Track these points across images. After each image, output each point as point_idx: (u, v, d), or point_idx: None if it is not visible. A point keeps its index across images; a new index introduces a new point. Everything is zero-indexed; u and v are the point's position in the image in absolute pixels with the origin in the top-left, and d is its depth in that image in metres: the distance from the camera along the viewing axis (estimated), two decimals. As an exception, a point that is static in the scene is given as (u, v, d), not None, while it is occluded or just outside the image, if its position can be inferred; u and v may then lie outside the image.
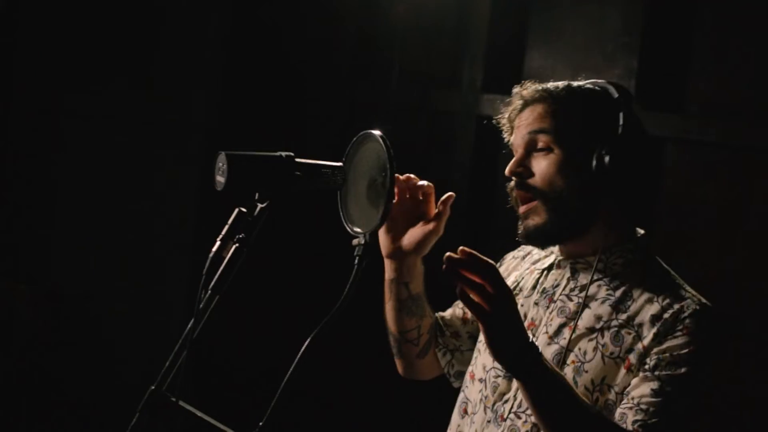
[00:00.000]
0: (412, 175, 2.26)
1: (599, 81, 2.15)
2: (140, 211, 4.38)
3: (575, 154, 2.07)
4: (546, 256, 2.29)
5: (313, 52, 4.57)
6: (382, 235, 2.29)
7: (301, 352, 1.85)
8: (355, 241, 1.96)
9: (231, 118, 4.47)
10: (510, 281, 2.31)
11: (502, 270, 2.38)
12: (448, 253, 1.83)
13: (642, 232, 2.19)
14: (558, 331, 2.11)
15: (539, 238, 2.13)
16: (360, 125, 3.79)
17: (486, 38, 4.27)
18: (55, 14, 4.61)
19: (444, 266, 1.83)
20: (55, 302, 4.47)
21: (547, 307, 2.17)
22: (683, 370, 1.96)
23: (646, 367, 1.98)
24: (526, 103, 2.14)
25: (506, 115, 2.19)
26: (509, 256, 2.44)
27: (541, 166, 2.09)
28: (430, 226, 2.24)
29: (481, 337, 2.20)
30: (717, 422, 3.70)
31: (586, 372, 2.03)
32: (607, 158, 2.03)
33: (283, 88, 4.54)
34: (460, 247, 1.84)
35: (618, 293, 2.09)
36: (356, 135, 2.03)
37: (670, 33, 3.89)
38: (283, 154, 1.92)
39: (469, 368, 2.29)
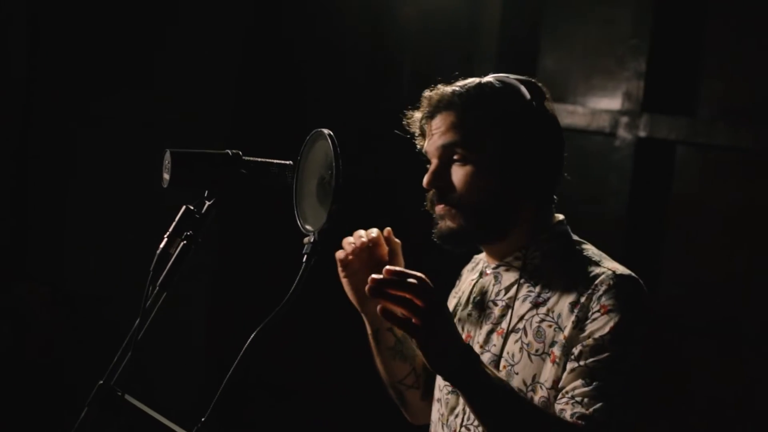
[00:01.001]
0: (358, 233, 2.25)
1: (510, 78, 2.10)
2: (156, 213, 4.40)
3: (490, 163, 2.03)
4: (476, 268, 2.27)
5: (324, 57, 4.58)
6: (350, 293, 2.28)
7: (244, 349, 1.85)
8: (305, 239, 1.96)
9: (244, 122, 4.49)
10: (458, 293, 2.30)
11: (453, 292, 2.36)
12: (372, 275, 1.79)
13: (561, 217, 2.14)
14: (487, 339, 2.09)
15: (453, 241, 2.09)
16: (374, 129, 3.84)
17: (497, 41, 4.26)
18: (72, 18, 4.65)
19: (368, 288, 1.78)
20: (71, 305, 4.50)
21: (478, 317, 2.14)
22: (609, 351, 1.91)
23: (573, 357, 1.94)
24: (436, 110, 2.08)
25: (417, 122, 2.14)
26: (466, 269, 2.40)
27: (458, 177, 2.05)
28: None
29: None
30: (721, 424, 3.66)
31: (517, 374, 2.01)
32: (519, 165, 2.02)
33: (295, 93, 4.55)
34: (386, 267, 1.80)
35: (537, 288, 2.05)
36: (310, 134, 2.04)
37: (679, 35, 3.86)
38: (230, 151, 1.94)
39: (436, 392, 2.25)
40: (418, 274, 1.80)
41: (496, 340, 2.07)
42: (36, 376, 4.34)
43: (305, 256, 1.89)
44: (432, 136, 2.09)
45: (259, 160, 1.96)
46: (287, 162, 1.99)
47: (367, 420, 4.38)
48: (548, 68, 4.23)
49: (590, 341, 1.92)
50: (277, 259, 4.37)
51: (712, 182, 3.77)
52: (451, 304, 2.31)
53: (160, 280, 1.89)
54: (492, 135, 2.03)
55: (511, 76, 2.11)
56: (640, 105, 3.90)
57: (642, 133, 3.89)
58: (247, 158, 1.94)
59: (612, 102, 4.05)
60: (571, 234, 2.13)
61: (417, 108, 2.15)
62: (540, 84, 2.10)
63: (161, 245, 1.92)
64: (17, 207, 4.70)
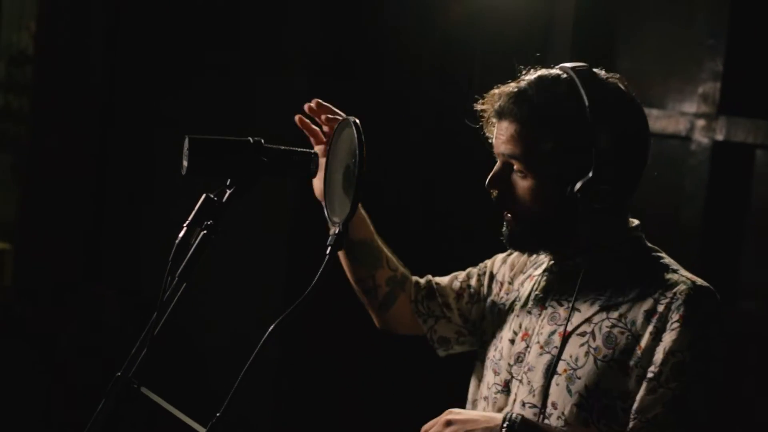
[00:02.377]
0: (318, 100, 2.25)
1: (587, 71, 2.01)
2: (230, 217, 4.40)
3: (551, 178, 1.97)
4: (541, 262, 2.19)
5: (396, 61, 4.53)
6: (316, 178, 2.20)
7: (262, 342, 1.81)
8: (331, 231, 1.90)
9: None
10: (514, 284, 2.23)
11: (509, 260, 2.28)
12: None
13: (636, 222, 2.07)
14: (549, 340, 2.02)
15: (520, 247, 2.09)
16: (444, 133, 3.77)
17: (570, 42, 4.17)
18: (149, 21, 4.69)
19: None
20: (142, 309, 4.45)
21: (539, 315, 2.08)
22: (690, 371, 1.86)
23: (651, 375, 1.88)
24: (501, 115, 2.02)
25: (486, 114, 2.08)
26: (497, 259, 2.33)
27: (518, 188, 2.01)
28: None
29: (490, 354, 2.16)
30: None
31: (579, 378, 1.94)
32: (585, 178, 1.94)
33: (365, 96, 4.51)
34: None
35: (607, 292, 1.99)
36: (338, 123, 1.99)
37: (757, 35, 3.74)
38: (252, 138, 1.90)
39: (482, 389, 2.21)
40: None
41: (557, 341, 2.00)
42: (103, 378, 4.35)
43: (329, 248, 1.84)
44: (496, 138, 2.04)
45: (282, 147, 1.92)
46: (311, 151, 1.96)
47: (382, 418, 4.29)
48: (623, 70, 4.11)
49: (671, 360, 1.87)
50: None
51: (794, 188, 3.65)
52: (500, 270, 2.27)
53: (179, 271, 1.87)
54: (555, 149, 1.96)
55: (595, 69, 2.03)
56: (716, 107, 3.80)
57: (719, 137, 3.79)
58: (268, 146, 1.90)
59: (687, 104, 3.94)
60: (645, 241, 2.07)
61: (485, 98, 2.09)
62: (625, 82, 2.03)
63: (180, 235, 1.89)
64: (95, 210, 4.75)
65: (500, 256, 2.32)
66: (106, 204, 4.75)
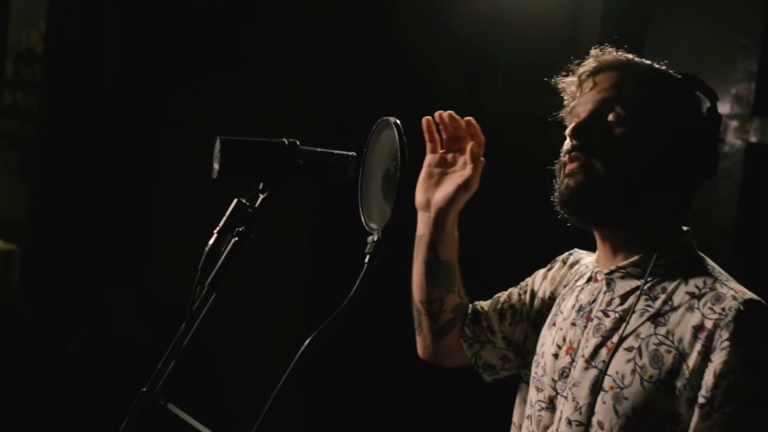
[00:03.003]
0: (452, 113, 2.11)
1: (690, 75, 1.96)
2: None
3: (645, 133, 1.88)
4: (590, 271, 2.07)
5: (420, 58, 4.45)
6: (418, 184, 2.13)
7: (298, 355, 1.70)
8: (369, 238, 1.79)
9: (337, 124, 4.40)
10: (556, 298, 2.13)
11: (550, 274, 2.19)
12: None
13: (686, 228, 1.97)
14: (595, 353, 1.90)
15: (579, 202, 1.90)
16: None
17: (598, 40, 4.02)
18: (162, 23, 4.64)
19: None
20: (154, 312, 4.46)
21: (584, 327, 1.95)
22: (746, 392, 1.74)
23: (703, 401, 1.76)
24: (605, 67, 1.95)
25: (573, 77, 2.00)
26: (559, 259, 2.22)
27: (609, 135, 1.89)
28: (460, 178, 2.07)
29: (533, 371, 2.05)
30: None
31: (626, 399, 1.82)
32: (674, 150, 1.87)
33: (388, 97, 4.42)
34: None
35: (657, 303, 1.86)
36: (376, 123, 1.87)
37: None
38: (287, 140, 1.80)
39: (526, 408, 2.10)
40: None
41: (604, 355, 1.88)
42: (114, 381, 4.28)
43: (367, 257, 1.74)
44: (590, 91, 1.95)
45: (318, 150, 1.82)
46: (349, 153, 1.85)
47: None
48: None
49: (723, 382, 1.74)
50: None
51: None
52: (541, 286, 2.17)
53: (209, 281, 1.76)
54: (656, 108, 1.89)
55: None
56: (750, 108, 3.70)
57: (753, 139, 3.70)
58: (304, 147, 1.80)
59: (721, 105, 3.80)
60: (697, 249, 1.96)
61: (577, 65, 2.02)
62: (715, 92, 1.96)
63: (210, 242, 1.78)
64: (104, 211, 4.70)
65: (541, 272, 2.22)
66: (116, 205, 4.71)
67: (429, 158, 2.13)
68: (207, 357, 4.17)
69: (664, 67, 1.96)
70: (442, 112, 2.12)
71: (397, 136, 1.74)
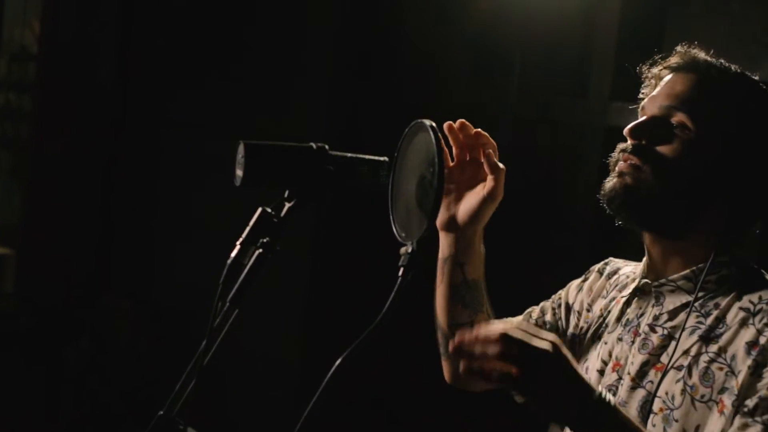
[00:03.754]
0: (464, 121, 1.98)
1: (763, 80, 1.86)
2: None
3: (708, 143, 1.77)
4: (631, 281, 1.95)
5: (428, 59, 4.34)
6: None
7: (330, 373, 1.56)
8: (402, 250, 1.66)
9: (338, 126, 4.31)
10: (595, 310, 2.00)
11: (585, 285, 2.06)
12: (450, 347, 1.57)
13: (741, 240, 1.85)
14: (642, 372, 1.79)
15: (624, 203, 1.80)
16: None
17: (615, 40, 3.98)
18: (161, 24, 4.57)
19: (452, 348, 1.56)
20: (157, 321, 4.37)
21: (632, 342, 1.84)
22: None
23: (746, 410, 1.64)
24: (684, 67, 1.84)
25: (656, 70, 1.89)
26: (594, 269, 2.10)
27: (670, 141, 1.78)
28: (484, 190, 1.95)
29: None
30: None
31: (676, 421, 1.71)
32: (737, 162, 1.76)
33: (396, 95, 4.31)
34: (458, 336, 1.56)
35: (709, 320, 1.75)
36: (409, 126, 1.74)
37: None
38: (315, 144, 1.67)
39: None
40: (498, 329, 1.53)
41: (653, 375, 1.77)
42: (116, 391, 4.17)
43: (401, 269, 1.61)
44: (661, 89, 1.84)
45: (349, 155, 1.70)
46: (382, 158, 1.73)
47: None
48: (672, 70, 3.92)
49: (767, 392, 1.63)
50: (379, 268, 4.14)
51: None
52: (576, 298, 2.06)
53: (231, 295, 1.64)
54: (722, 119, 1.78)
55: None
56: (776, 109, 3.55)
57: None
58: (334, 153, 1.68)
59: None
60: (750, 262, 1.84)
61: (663, 58, 1.90)
62: None
63: (233, 254, 1.66)
64: (102, 215, 4.65)
65: (575, 283, 2.11)
66: (114, 208, 4.64)
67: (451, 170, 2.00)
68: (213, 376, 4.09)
69: (750, 74, 1.86)
70: (451, 122, 2.00)
71: (434, 140, 1.61)
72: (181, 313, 4.42)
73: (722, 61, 1.88)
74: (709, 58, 1.86)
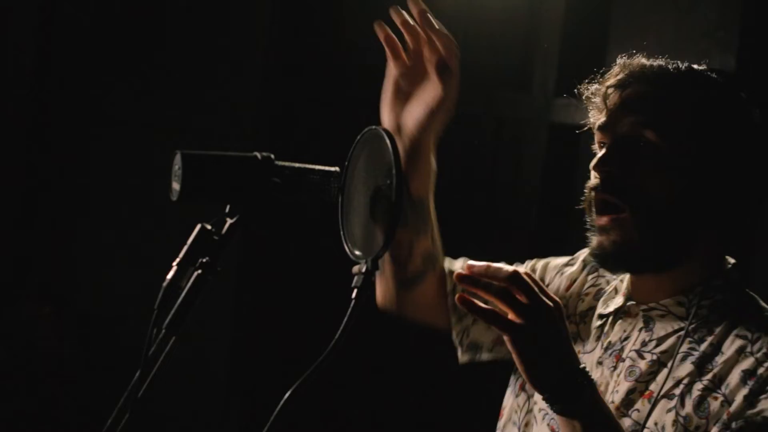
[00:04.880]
0: (423, 9, 1.77)
1: (712, 69, 1.74)
2: (178, 228, 4.10)
3: (684, 156, 1.65)
4: (612, 293, 1.82)
5: (367, 54, 4.23)
6: (385, 105, 1.84)
7: (279, 406, 1.43)
8: (355, 269, 1.52)
9: (277, 127, 4.23)
10: (569, 309, 1.88)
11: (567, 273, 1.95)
12: (456, 272, 1.53)
13: (732, 261, 1.75)
14: (628, 400, 1.68)
15: (617, 261, 1.70)
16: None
17: (560, 33, 3.88)
18: (84, 19, 4.43)
19: (456, 275, 1.55)
20: (83, 327, 4.24)
21: (614, 368, 1.72)
22: None
23: (728, 430, 1.55)
24: (633, 80, 1.70)
25: (601, 89, 1.73)
26: (579, 257, 1.96)
27: (642, 164, 1.66)
28: (431, 99, 1.76)
29: (538, 397, 1.75)
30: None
31: None
32: (719, 172, 1.65)
33: (330, 92, 4.22)
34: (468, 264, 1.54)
35: (703, 346, 1.65)
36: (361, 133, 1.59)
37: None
38: (259, 154, 1.52)
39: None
40: (510, 268, 1.54)
41: (640, 404, 1.66)
42: (41, 400, 4.01)
43: (355, 291, 1.47)
44: (618, 109, 1.69)
45: (297, 165, 1.55)
46: (333, 168, 1.58)
47: None
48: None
49: (758, 419, 1.53)
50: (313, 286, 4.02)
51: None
52: (554, 281, 1.94)
53: (167, 322, 1.49)
54: (696, 127, 1.66)
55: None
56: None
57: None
58: (280, 163, 1.53)
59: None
60: (744, 287, 1.75)
61: (602, 75, 1.77)
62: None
63: (169, 276, 1.51)
64: (24, 219, 4.48)
65: (554, 263, 1.98)
66: (37, 208, 4.46)
67: (394, 68, 1.81)
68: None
69: (703, 68, 1.73)
70: (403, 13, 1.77)
71: (390, 148, 1.47)
72: (109, 318, 4.30)
73: (670, 61, 1.76)
74: (655, 63, 1.74)
